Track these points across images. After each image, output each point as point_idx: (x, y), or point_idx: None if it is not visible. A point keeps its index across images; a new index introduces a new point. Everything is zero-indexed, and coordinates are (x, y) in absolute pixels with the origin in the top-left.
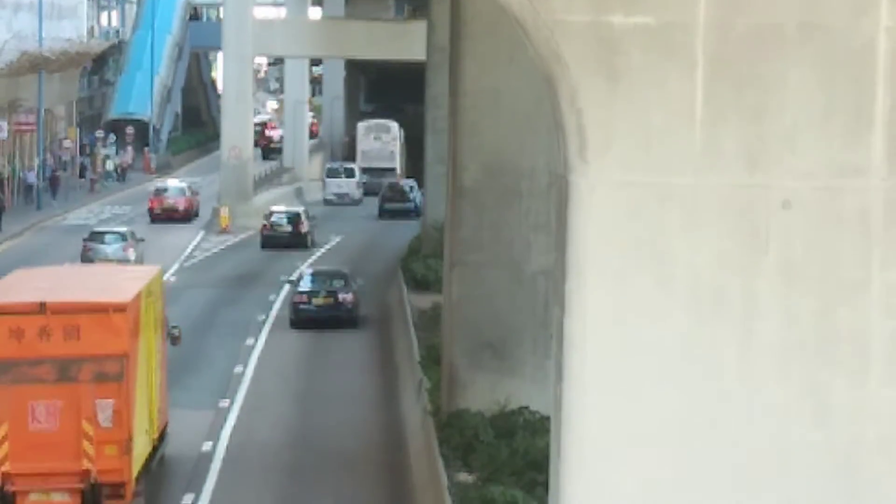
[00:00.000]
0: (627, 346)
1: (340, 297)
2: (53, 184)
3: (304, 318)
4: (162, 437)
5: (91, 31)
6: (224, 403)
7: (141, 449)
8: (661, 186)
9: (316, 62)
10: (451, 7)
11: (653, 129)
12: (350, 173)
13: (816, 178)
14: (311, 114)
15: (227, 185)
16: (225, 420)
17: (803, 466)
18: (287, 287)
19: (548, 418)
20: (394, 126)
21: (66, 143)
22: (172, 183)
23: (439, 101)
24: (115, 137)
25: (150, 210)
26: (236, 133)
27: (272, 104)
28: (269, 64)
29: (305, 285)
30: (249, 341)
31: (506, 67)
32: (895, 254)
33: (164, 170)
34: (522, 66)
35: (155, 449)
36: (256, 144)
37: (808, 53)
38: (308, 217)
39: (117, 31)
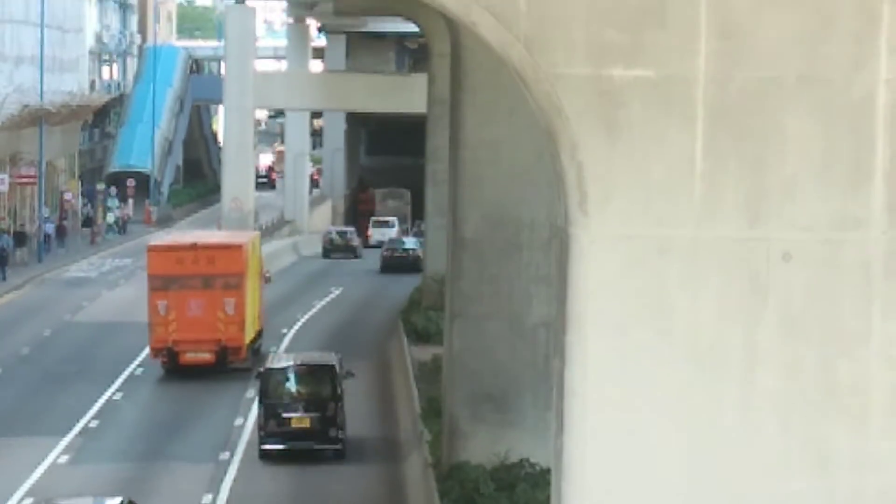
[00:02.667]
0: (628, 398)
1: (410, 253)
2: (60, 233)
3: (387, 265)
4: (259, 334)
5: (92, 85)
6: (224, 455)
7: (249, 331)
8: (662, 239)
9: (317, 114)
10: (452, 60)
11: (653, 181)
12: (391, 224)
13: (817, 231)
14: (310, 164)
15: None
16: (225, 474)
17: None
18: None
19: (549, 471)
20: (406, 192)
21: (67, 196)
22: None
23: (440, 154)
24: (115, 190)
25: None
26: (237, 185)
27: (266, 157)
28: (271, 117)
29: (390, 245)
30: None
31: (506, 120)
32: None
33: (165, 222)
34: (523, 119)
35: (255, 338)
36: (272, 186)
37: (807, 106)
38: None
39: (119, 85)
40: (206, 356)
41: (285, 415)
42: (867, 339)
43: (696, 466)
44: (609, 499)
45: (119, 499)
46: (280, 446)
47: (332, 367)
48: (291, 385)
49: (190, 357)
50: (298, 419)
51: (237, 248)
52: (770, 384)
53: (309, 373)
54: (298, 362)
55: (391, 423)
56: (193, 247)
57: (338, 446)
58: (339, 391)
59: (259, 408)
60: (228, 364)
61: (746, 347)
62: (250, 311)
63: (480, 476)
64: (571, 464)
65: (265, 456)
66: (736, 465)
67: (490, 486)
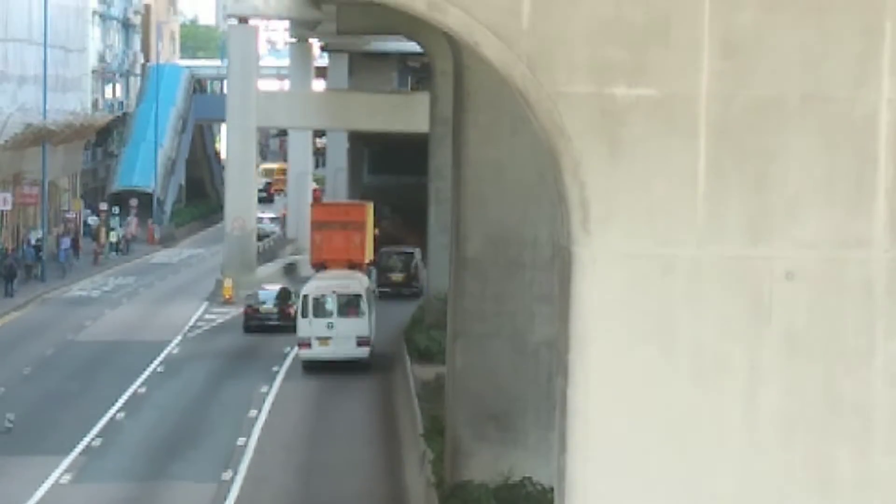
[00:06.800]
0: (631, 417)
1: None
2: (75, 248)
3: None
4: (373, 261)
5: (95, 104)
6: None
7: (368, 256)
8: (664, 258)
9: (319, 134)
10: (454, 79)
11: (655, 200)
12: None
13: (819, 249)
14: (314, 184)
15: (230, 256)
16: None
17: None
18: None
19: (551, 489)
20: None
21: (70, 215)
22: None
23: (442, 172)
24: (118, 209)
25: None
26: (240, 204)
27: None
28: (273, 136)
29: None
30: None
31: (509, 139)
32: None
33: (168, 241)
34: (525, 138)
35: (370, 262)
36: (271, 200)
37: (810, 125)
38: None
39: (122, 104)
40: (342, 267)
41: (389, 274)
42: (870, 358)
43: (699, 485)
44: None
45: (279, 286)
46: (388, 289)
47: (412, 253)
48: (392, 260)
49: (333, 267)
50: (396, 276)
51: (361, 206)
52: (773, 402)
53: (400, 253)
54: (396, 250)
55: (394, 442)
56: (337, 204)
57: (416, 289)
58: (416, 263)
59: (376, 272)
60: None
61: (749, 366)
62: (368, 244)
63: (483, 495)
64: (574, 483)
65: (381, 295)
66: (739, 484)
67: None
